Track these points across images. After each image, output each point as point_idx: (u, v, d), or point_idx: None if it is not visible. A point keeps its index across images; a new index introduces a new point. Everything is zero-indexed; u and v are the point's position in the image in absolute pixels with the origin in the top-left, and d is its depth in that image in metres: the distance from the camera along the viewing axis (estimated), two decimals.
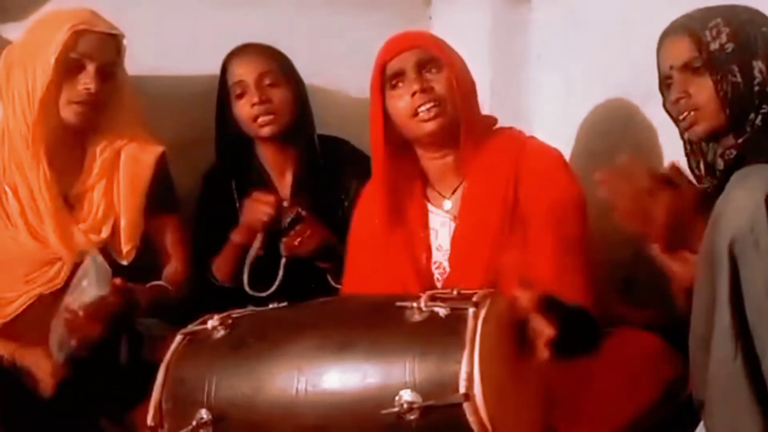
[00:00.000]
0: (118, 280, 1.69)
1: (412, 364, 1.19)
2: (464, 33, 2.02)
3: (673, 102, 1.56)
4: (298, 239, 1.90)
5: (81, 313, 1.62)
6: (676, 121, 1.60)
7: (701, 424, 1.34)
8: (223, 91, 2.04)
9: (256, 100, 1.98)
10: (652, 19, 1.64)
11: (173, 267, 1.94)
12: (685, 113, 1.54)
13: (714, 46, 1.52)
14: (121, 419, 1.64)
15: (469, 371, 1.15)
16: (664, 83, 1.60)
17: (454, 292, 1.29)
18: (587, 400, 1.42)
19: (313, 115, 2.08)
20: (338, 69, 2.21)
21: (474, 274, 1.62)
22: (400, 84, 1.67)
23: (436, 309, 1.23)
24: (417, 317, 1.24)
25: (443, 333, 1.20)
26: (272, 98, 1.99)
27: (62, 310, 1.66)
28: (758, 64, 1.50)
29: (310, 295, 1.54)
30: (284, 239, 1.93)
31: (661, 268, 1.43)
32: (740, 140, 1.51)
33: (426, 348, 1.20)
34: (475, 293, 1.26)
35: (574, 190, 1.65)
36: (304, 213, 1.94)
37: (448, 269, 1.68)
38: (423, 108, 1.65)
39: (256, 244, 1.94)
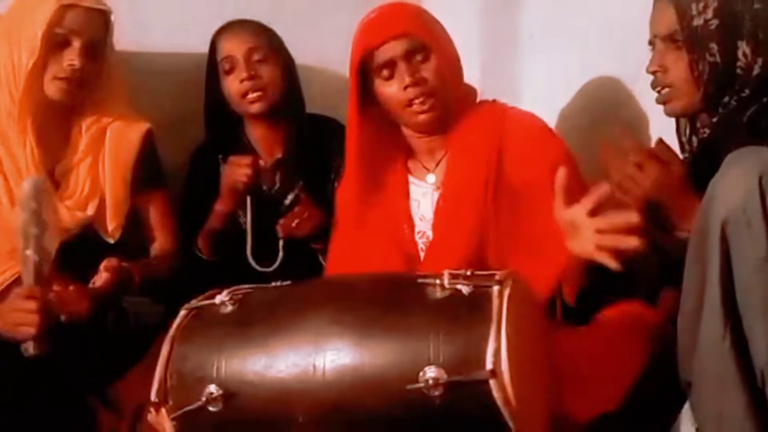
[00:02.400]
0: (113, 260, 1.66)
1: (437, 341, 1.17)
2: (456, 13, 2.00)
3: (650, 73, 1.55)
4: (296, 221, 1.89)
5: (71, 287, 1.58)
6: None
7: (687, 403, 1.35)
8: (212, 67, 2.01)
9: (245, 75, 1.95)
10: None
11: (161, 244, 1.91)
12: (659, 88, 1.54)
13: (697, 21, 1.48)
14: (104, 393, 1.59)
15: (496, 347, 1.14)
16: (650, 47, 1.58)
17: (469, 272, 1.28)
18: (584, 376, 1.41)
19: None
20: (324, 46, 2.18)
21: (458, 241, 1.63)
22: (390, 74, 1.65)
23: (459, 286, 1.22)
24: (439, 294, 1.22)
25: (468, 310, 1.19)
26: (261, 74, 1.97)
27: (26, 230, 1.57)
28: (743, 45, 1.47)
29: (302, 275, 1.53)
30: (281, 221, 1.92)
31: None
32: (714, 120, 1.50)
33: (451, 324, 1.18)
34: (496, 273, 1.25)
35: (562, 149, 1.67)
36: (302, 195, 1.93)
37: (431, 237, 1.69)
38: (417, 101, 1.64)
39: (249, 211, 1.93)
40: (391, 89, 1.66)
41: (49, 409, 1.55)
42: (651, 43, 1.57)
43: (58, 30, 1.72)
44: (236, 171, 1.92)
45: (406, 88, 1.64)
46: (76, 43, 1.73)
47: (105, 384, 1.60)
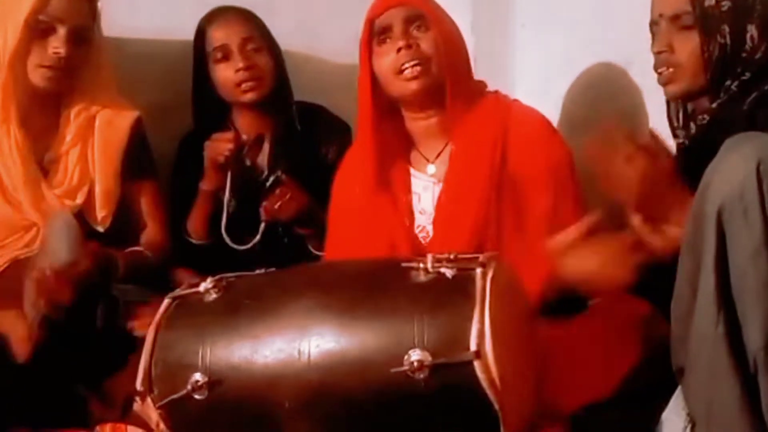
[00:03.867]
0: (93, 245, 1.64)
1: (421, 323, 1.17)
2: (448, 2, 1.99)
3: (656, 53, 1.53)
4: (279, 203, 1.88)
5: (49, 273, 1.55)
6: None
7: (678, 389, 1.34)
8: (200, 55, 1.99)
9: (241, 65, 1.94)
10: None
11: (151, 232, 1.90)
12: (664, 68, 1.51)
13: (709, 1, 1.46)
14: (97, 386, 1.59)
15: (480, 329, 1.14)
16: (651, 28, 1.56)
17: (452, 256, 1.27)
18: (574, 366, 1.41)
19: (290, 81, 2.05)
20: (315, 34, 2.17)
21: (459, 237, 1.62)
22: (387, 40, 1.66)
23: (443, 270, 1.21)
24: (423, 278, 1.22)
25: (452, 292, 1.19)
26: (257, 64, 1.96)
27: (33, 270, 1.58)
28: (751, 29, 1.45)
29: (290, 262, 1.52)
30: (264, 203, 1.90)
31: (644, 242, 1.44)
32: (714, 104, 1.48)
33: (435, 307, 1.18)
34: (479, 255, 1.24)
35: (564, 150, 1.67)
36: (283, 176, 1.92)
37: (431, 233, 1.68)
38: (407, 65, 1.63)
39: (227, 186, 1.93)
40: (386, 57, 1.66)
41: (39, 398, 1.55)
42: (654, 23, 1.54)
43: (41, 17, 1.70)
44: (218, 146, 1.91)
45: (399, 50, 1.63)
46: (61, 30, 1.71)
47: (100, 379, 1.58)
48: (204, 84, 2.00)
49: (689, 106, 1.57)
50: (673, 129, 1.60)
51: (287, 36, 2.06)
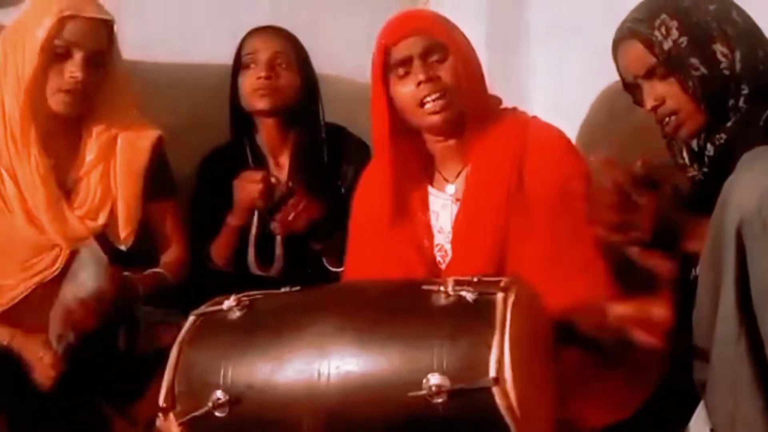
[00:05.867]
0: (113, 270, 1.65)
1: (440, 348, 1.18)
2: (461, 13, 2.01)
3: (651, 110, 1.55)
4: (292, 214, 1.88)
5: (78, 307, 1.58)
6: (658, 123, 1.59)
7: (701, 403, 1.35)
8: (236, 65, 2.03)
9: (262, 74, 1.98)
10: None
11: (173, 252, 1.91)
12: (666, 119, 1.54)
13: (667, 45, 1.50)
14: (121, 406, 1.60)
15: (499, 355, 1.15)
16: (633, 88, 1.59)
17: (475, 279, 1.28)
18: (596, 385, 1.41)
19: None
20: (336, 53, 2.20)
21: (477, 256, 1.61)
22: (405, 71, 1.65)
23: (464, 293, 1.22)
24: (444, 301, 1.23)
25: (472, 317, 1.20)
26: (279, 77, 2.00)
27: (60, 300, 1.62)
28: (718, 48, 1.48)
29: (308, 280, 1.53)
30: (277, 216, 1.91)
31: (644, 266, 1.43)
32: (729, 124, 1.50)
33: (454, 331, 1.19)
34: (501, 279, 1.26)
35: (581, 167, 1.65)
36: (295, 187, 1.93)
37: (450, 252, 1.67)
38: (429, 98, 1.63)
39: (255, 222, 1.94)
40: (405, 88, 1.65)
41: (63, 418, 1.57)
42: (633, 86, 1.58)
43: (57, 42, 1.72)
44: (248, 187, 1.92)
45: (419, 84, 1.63)
46: (78, 55, 1.73)
47: (123, 399, 1.61)
48: (233, 92, 2.04)
49: (694, 143, 1.58)
50: (682, 167, 1.60)
51: (314, 57, 2.08)
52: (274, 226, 1.92)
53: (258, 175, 1.92)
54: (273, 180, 1.96)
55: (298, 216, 1.89)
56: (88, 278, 1.62)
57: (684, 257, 1.43)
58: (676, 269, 1.37)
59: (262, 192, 1.90)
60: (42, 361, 1.60)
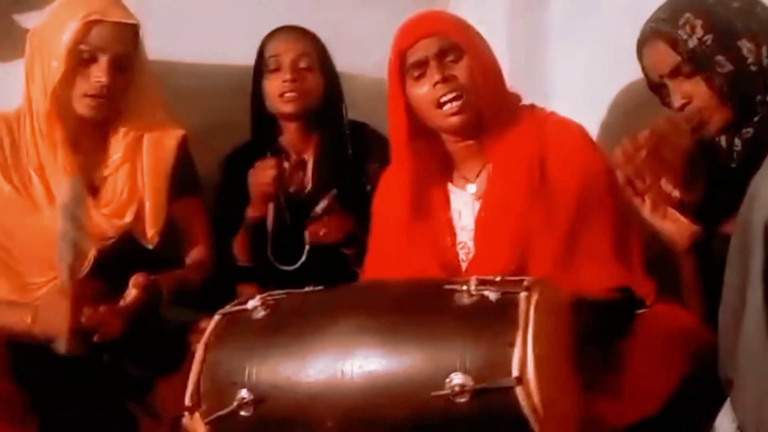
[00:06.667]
0: (141, 277, 1.67)
1: (464, 347, 1.18)
2: (483, 15, 2.00)
3: (679, 109, 1.55)
4: (324, 230, 1.91)
5: (102, 309, 1.60)
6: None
7: (728, 401, 1.34)
8: (258, 66, 2.04)
9: (288, 77, 1.99)
10: None
11: (197, 251, 1.93)
12: (693, 116, 1.53)
13: (692, 43, 1.50)
14: (147, 403, 1.62)
15: (522, 355, 1.15)
16: (659, 89, 1.58)
17: (498, 278, 1.28)
18: (623, 380, 1.41)
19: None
20: (356, 52, 2.18)
21: (500, 253, 1.61)
22: (422, 73, 1.65)
23: (486, 293, 1.22)
24: (466, 300, 1.23)
25: (495, 316, 1.20)
26: (304, 79, 2.01)
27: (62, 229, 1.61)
28: (745, 44, 1.48)
29: (332, 279, 1.54)
30: (310, 226, 1.93)
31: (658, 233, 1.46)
32: (756, 119, 1.49)
33: (477, 331, 1.19)
34: (524, 279, 1.25)
35: (602, 162, 1.65)
36: (330, 202, 1.94)
37: (473, 249, 1.67)
38: (446, 98, 1.63)
39: (271, 214, 1.95)
40: (421, 89, 1.65)
41: (90, 414, 1.58)
42: (659, 85, 1.57)
43: (83, 47, 1.73)
44: (261, 174, 1.93)
45: (435, 84, 1.63)
46: (103, 59, 1.74)
47: (143, 391, 1.62)
48: (257, 94, 2.05)
49: (722, 139, 1.57)
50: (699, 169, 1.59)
51: (337, 56, 2.09)
52: (306, 234, 1.94)
53: (271, 162, 1.94)
54: (286, 165, 1.98)
55: (330, 233, 1.92)
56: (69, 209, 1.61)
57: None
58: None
59: (274, 177, 1.92)
60: (57, 308, 1.58)
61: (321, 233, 1.91)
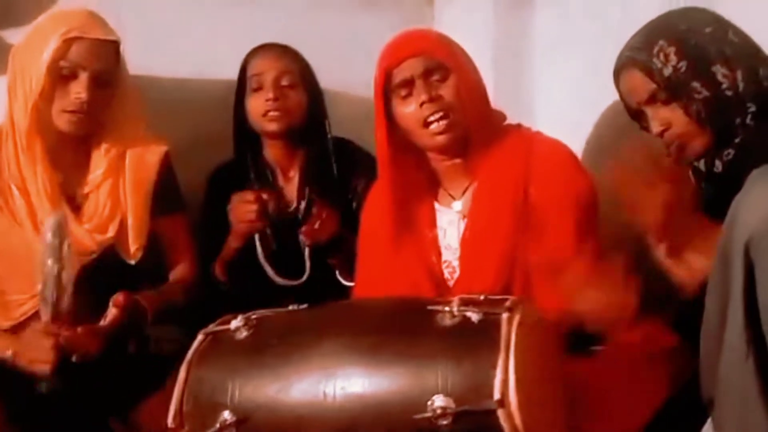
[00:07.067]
0: (122, 296, 1.67)
1: (445, 369, 1.19)
2: (468, 33, 2.00)
3: (658, 135, 1.56)
4: (318, 222, 1.89)
5: (81, 330, 1.59)
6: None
7: (709, 421, 1.34)
8: (241, 85, 2.04)
9: (270, 96, 1.99)
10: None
11: (180, 269, 1.92)
12: (673, 143, 1.54)
13: (667, 71, 1.51)
14: (129, 420, 1.61)
15: (503, 377, 1.16)
16: (638, 116, 1.59)
17: (481, 297, 1.29)
18: (605, 399, 1.41)
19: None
20: (343, 69, 2.20)
21: (485, 272, 1.62)
22: (408, 92, 1.66)
23: (469, 313, 1.23)
24: (449, 321, 1.24)
25: (477, 338, 1.21)
26: (287, 97, 2.01)
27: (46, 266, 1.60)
28: (719, 69, 1.49)
29: (321, 292, 1.53)
30: (303, 228, 1.92)
31: (668, 274, 1.44)
32: (737, 140, 1.50)
33: (459, 353, 1.20)
34: (507, 299, 1.26)
35: (586, 182, 1.66)
36: (315, 197, 1.95)
37: (457, 269, 1.68)
38: (432, 118, 1.64)
39: (258, 245, 1.95)
40: (408, 108, 1.66)
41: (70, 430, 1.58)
42: (638, 113, 1.58)
43: (63, 63, 1.72)
44: (241, 209, 1.91)
45: (422, 104, 1.64)
46: (83, 76, 1.73)
47: (125, 408, 1.60)
48: (240, 113, 2.05)
49: (701, 163, 1.58)
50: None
51: (324, 73, 2.09)
52: (302, 238, 1.93)
53: (250, 196, 1.91)
54: (265, 197, 1.93)
55: (324, 224, 1.89)
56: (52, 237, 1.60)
57: None
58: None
59: (258, 212, 1.89)
60: (38, 350, 1.58)
61: (316, 226, 1.89)
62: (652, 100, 1.54)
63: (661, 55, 1.51)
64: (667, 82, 1.51)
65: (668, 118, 1.54)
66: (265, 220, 1.91)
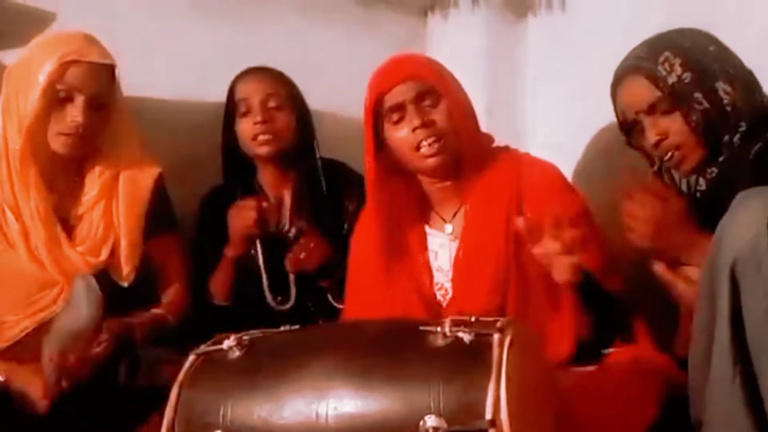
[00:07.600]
0: (111, 323, 1.67)
1: (437, 389, 1.18)
2: (460, 54, 2.04)
3: (654, 145, 1.58)
4: (303, 253, 1.91)
5: (71, 359, 1.60)
6: (648, 156, 1.62)
7: None
8: (229, 109, 2.05)
9: (259, 119, 2.00)
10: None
11: (173, 290, 1.92)
12: (668, 153, 1.57)
13: (672, 79, 1.54)
14: None
15: (495, 397, 1.15)
16: (632, 127, 1.61)
17: (472, 319, 1.30)
18: (596, 417, 1.42)
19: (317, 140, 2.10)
20: (335, 90, 2.22)
21: (478, 294, 1.64)
22: (400, 117, 1.67)
23: (460, 334, 1.23)
24: (441, 342, 1.24)
25: (468, 358, 1.20)
26: (275, 120, 2.02)
27: (54, 328, 1.63)
28: (721, 86, 1.52)
29: (311, 314, 1.52)
30: (289, 255, 1.93)
31: (667, 288, 1.47)
32: (721, 159, 1.53)
33: (451, 373, 1.20)
34: (498, 320, 1.27)
35: (577, 199, 1.69)
36: (305, 226, 1.96)
37: (450, 291, 1.69)
38: (425, 143, 1.65)
39: (260, 251, 1.96)
40: (400, 133, 1.67)
41: None
42: (635, 122, 1.60)
43: (59, 86, 1.73)
44: (241, 215, 1.94)
45: (414, 130, 1.65)
46: (79, 99, 1.74)
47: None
48: (229, 137, 2.06)
49: (684, 181, 1.62)
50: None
51: (314, 96, 2.11)
52: (286, 263, 1.95)
53: (251, 203, 1.95)
54: (265, 205, 1.98)
55: (310, 255, 1.92)
56: (79, 309, 1.62)
57: None
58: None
59: (256, 219, 1.93)
60: (35, 389, 1.60)
61: (301, 256, 1.91)
62: (652, 109, 1.56)
63: (667, 65, 1.54)
64: (671, 90, 1.53)
65: (666, 128, 1.56)
66: (262, 227, 1.94)
